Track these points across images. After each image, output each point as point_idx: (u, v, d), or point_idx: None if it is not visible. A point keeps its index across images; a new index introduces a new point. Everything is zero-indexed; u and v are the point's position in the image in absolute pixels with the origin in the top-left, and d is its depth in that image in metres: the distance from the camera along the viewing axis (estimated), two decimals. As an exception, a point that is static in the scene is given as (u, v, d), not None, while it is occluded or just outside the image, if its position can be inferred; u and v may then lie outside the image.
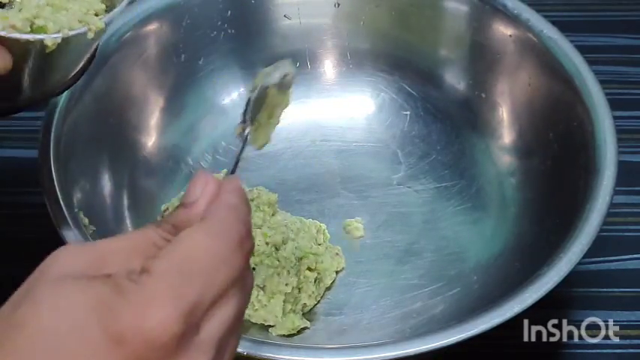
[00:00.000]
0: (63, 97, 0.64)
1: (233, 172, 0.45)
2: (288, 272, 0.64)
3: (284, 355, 0.53)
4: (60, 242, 0.56)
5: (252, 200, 0.67)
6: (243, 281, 0.38)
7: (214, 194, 0.39)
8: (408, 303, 0.65)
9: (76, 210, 0.60)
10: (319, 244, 0.67)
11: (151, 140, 0.72)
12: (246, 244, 0.38)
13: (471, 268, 0.66)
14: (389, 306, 0.65)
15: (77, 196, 0.62)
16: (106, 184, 0.67)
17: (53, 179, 0.60)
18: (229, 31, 0.75)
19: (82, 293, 0.34)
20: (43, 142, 0.62)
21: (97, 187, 0.66)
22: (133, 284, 0.34)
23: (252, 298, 0.62)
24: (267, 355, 0.53)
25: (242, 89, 0.75)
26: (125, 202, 0.68)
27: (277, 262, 0.64)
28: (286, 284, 0.63)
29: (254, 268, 0.64)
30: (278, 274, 0.64)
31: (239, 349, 0.51)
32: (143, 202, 0.69)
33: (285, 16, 0.76)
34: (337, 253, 0.68)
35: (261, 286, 0.63)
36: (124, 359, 0.34)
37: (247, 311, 0.61)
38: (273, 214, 0.68)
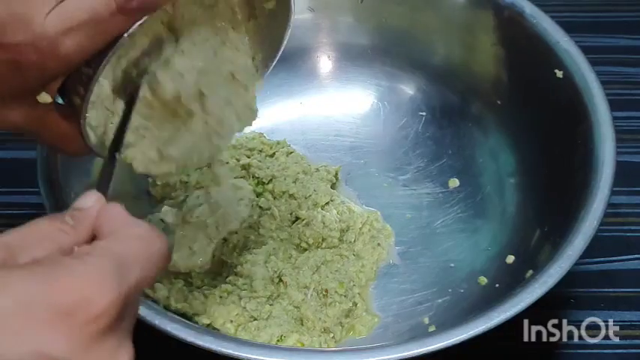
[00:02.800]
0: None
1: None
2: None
3: (283, 357, 0.53)
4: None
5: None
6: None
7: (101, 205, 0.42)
8: (397, 307, 0.65)
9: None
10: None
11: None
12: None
13: (462, 278, 0.66)
14: (376, 308, 0.65)
15: (75, 197, 0.62)
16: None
17: (51, 181, 0.61)
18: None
19: (18, 278, 0.35)
20: (40, 145, 0.63)
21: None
22: (76, 260, 0.37)
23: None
24: (268, 357, 0.53)
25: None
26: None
27: None
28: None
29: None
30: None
31: (239, 354, 0.52)
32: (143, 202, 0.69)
33: (308, 8, 0.77)
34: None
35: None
36: (69, 330, 0.35)
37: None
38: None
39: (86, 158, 0.65)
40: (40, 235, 0.39)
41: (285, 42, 0.53)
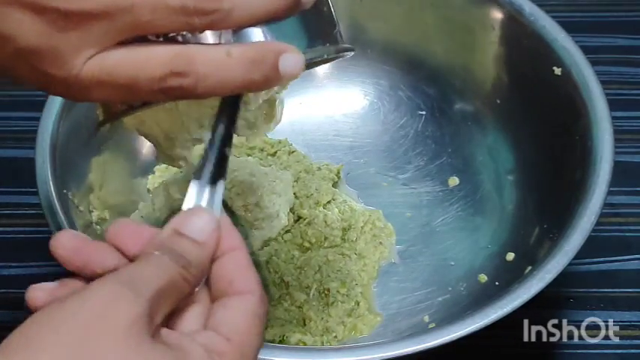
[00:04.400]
0: (59, 100, 0.64)
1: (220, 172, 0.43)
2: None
3: (283, 357, 0.53)
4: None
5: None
6: None
7: (218, 238, 0.40)
8: (397, 306, 0.65)
9: (72, 215, 0.60)
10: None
11: (146, 144, 0.72)
12: None
13: (462, 276, 0.66)
14: (376, 307, 0.65)
15: (74, 199, 0.62)
16: (103, 187, 0.67)
17: (50, 183, 0.60)
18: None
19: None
20: (39, 144, 0.62)
21: (94, 189, 0.66)
22: None
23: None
24: (267, 357, 0.53)
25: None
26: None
27: None
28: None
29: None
30: None
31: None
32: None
33: None
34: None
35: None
36: None
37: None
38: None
39: (83, 158, 0.66)
40: (171, 284, 0.38)
41: None
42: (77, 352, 0.34)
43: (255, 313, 0.39)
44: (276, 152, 0.73)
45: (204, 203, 0.41)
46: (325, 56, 0.45)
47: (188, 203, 0.41)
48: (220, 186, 0.42)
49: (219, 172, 0.42)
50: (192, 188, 0.41)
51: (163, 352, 0.35)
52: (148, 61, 0.40)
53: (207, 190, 0.41)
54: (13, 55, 0.40)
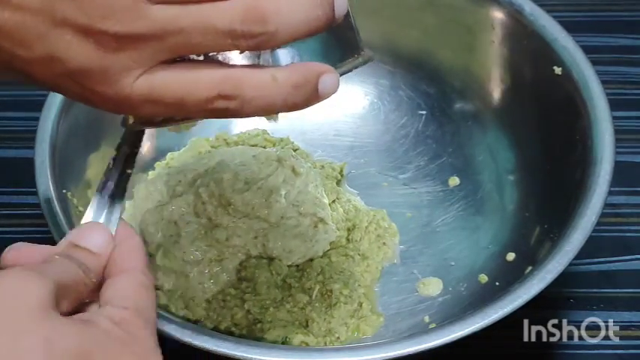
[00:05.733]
0: (58, 100, 0.64)
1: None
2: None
3: (283, 357, 0.53)
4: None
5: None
6: None
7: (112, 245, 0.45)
8: (397, 306, 0.65)
9: (71, 215, 0.60)
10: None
11: (146, 144, 0.72)
12: None
13: (462, 276, 0.66)
14: (377, 306, 0.65)
15: (73, 199, 0.62)
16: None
17: (49, 183, 0.61)
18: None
19: (83, 336, 0.37)
20: (38, 145, 0.62)
21: (93, 190, 0.66)
22: (126, 334, 0.40)
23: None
24: (266, 357, 0.52)
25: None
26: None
27: None
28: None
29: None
30: None
31: (236, 353, 0.52)
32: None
33: None
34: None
35: None
36: None
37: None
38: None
39: (82, 158, 0.66)
40: (73, 283, 0.41)
41: None
42: None
43: (141, 282, 0.43)
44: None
45: (102, 216, 0.46)
46: (354, 68, 0.47)
47: (87, 217, 0.46)
48: (119, 203, 0.47)
49: (118, 191, 0.47)
50: (93, 202, 0.46)
51: (75, 324, 0.38)
52: (197, 84, 0.41)
53: (106, 204, 0.46)
54: (63, 75, 0.41)
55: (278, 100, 0.42)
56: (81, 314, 0.40)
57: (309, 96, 0.42)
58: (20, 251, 0.43)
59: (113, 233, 0.45)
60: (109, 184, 0.47)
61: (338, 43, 0.46)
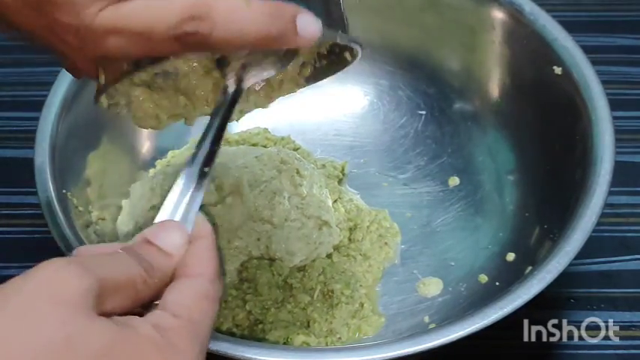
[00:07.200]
0: (58, 100, 0.64)
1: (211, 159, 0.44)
2: None
3: (283, 357, 0.53)
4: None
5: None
6: None
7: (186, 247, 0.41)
8: (397, 306, 0.65)
9: (71, 215, 0.60)
10: None
11: (146, 144, 0.72)
12: None
13: (462, 276, 0.66)
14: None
15: (73, 199, 0.62)
16: (103, 187, 0.67)
17: (49, 183, 0.61)
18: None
19: (114, 337, 0.35)
20: (38, 145, 0.62)
21: (93, 189, 0.66)
22: (166, 342, 0.37)
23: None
24: (266, 357, 0.52)
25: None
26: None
27: None
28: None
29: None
30: None
31: (236, 353, 0.52)
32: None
33: None
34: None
35: None
36: None
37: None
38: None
39: (82, 158, 0.66)
40: (127, 280, 0.38)
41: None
42: (18, 321, 0.34)
43: (205, 293, 0.40)
44: None
45: (179, 213, 0.42)
46: (338, 40, 0.46)
47: (164, 212, 0.43)
48: (200, 193, 0.43)
49: (205, 169, 0.44)
50: (181, 178, 0.43)
51: (107, 325, 0.36)
52: (166, 8, 0.40)
53: (186, 198, 0.43)
54: (27, 6, 0.41)
55: (251, 28, 0.40)
56: (126, 317, 0.37)
57: (285, 30, 0.41)
58: (94, 248, 0.42)
59: (190, 228, 0.42)
60: (199, 158, 0.44)
61: (325, 14, 0.45)
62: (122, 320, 0.37)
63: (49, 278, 0.35)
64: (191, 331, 0.38)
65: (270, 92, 0.53)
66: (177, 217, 0.42)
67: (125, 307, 0.38)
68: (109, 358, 0.35)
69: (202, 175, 0.44)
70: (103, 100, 0.48)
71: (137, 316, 0.38)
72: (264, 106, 0.54)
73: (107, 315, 0.36)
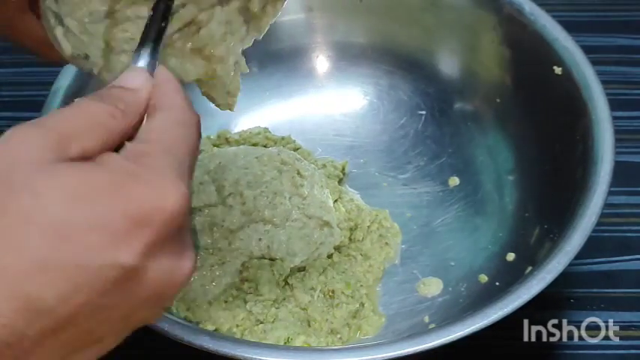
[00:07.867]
0: (58, 100, 0.64)
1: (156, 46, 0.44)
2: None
3: (283, 358, 0.53)
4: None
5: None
6: None
7: (151, 83, 0.41)
8: (397, 306, 0.65)
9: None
10: None
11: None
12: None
13: (462, 276, 0.66)
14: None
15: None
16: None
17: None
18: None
19: (80, 179, 0.34)
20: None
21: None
22: (139, 167, 0.36)
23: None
24: (266, 357, 0.52)
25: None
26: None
27: None
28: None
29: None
30: None
31: (236, 353, 0.52)
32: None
33: (307, 7, 0.77)
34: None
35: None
36: (146, 240, 0.34)
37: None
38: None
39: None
40: (90, 120, 0.37)
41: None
42: None
43: (176, 120, 0.39)
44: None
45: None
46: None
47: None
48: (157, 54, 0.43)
49: (156, 45, 0.43)
50: (134, 57, 0.42)
51: (72, 168, 0.35)
52: None
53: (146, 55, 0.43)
54: None
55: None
56: (98, 156, 0.36)
57: None
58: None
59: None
60: (149, 38, 0.44)
61: None
62: (93, 160, 0.36)
63: (11, 144, 0.35)
64: (166, 153, 0.37)
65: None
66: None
67: (97, 148, 0.37)
68: (83, 198, 0.34)
69: (154, 53, 0.43)
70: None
71: (108, 152, 0.37)
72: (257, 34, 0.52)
73: (76, 160, 0.36)
